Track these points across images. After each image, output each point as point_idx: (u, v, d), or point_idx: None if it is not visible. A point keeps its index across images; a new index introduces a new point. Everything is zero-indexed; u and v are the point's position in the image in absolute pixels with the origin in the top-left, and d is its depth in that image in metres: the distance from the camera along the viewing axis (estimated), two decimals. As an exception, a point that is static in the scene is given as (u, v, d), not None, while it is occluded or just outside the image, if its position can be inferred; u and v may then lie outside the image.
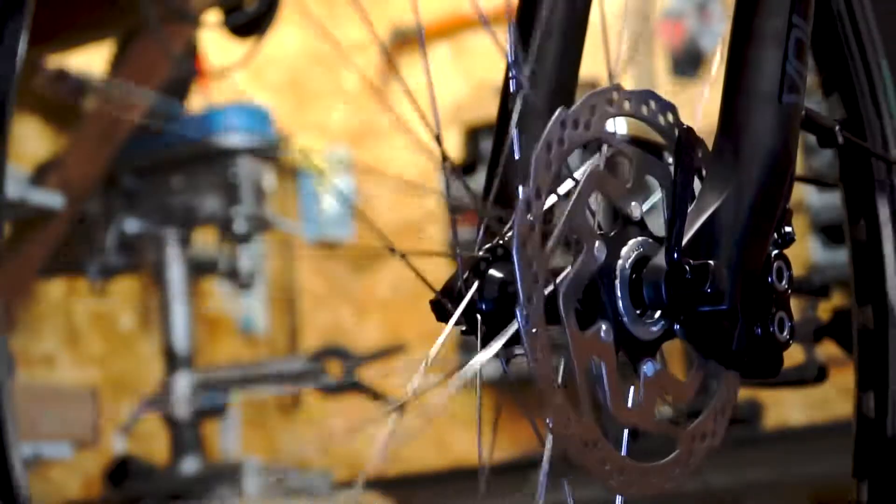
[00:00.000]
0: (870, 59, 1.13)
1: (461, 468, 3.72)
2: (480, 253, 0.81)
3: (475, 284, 0.80)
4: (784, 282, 0.88)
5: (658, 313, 0.82)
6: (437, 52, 4.57)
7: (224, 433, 3.87)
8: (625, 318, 0.81)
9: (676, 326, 0.83)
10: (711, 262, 0.81)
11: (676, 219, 0.80)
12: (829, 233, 3.76)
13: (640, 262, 0.82)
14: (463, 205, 0.83)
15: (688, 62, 4.09)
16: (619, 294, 0.81)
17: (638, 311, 0.82)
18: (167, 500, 3.32)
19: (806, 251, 3.75)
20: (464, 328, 0.81)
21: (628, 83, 0.86)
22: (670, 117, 0.86)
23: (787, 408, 3.87)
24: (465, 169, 4.28)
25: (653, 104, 0.85)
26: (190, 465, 3.44)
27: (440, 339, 0.79)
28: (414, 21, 4.59)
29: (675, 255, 0.80)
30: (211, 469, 3.45)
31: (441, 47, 4.56)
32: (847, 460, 1.13)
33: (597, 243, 0.80)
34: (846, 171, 1.15)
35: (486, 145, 4.20)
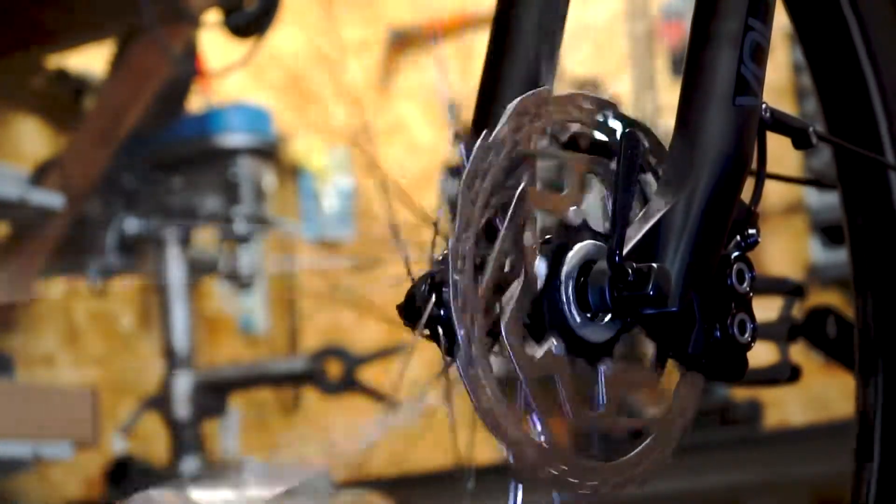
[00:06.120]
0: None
1: (460, 468, 3.70)
2: (437, 260, 0.82)
3: (433, 294, 0.81)
4: (745, 284, 0.88)
5: (608, 316, 0.82)
6: (437, 52, 4.56)
7: (224, 433, 3.87)
8: (574, 324, 0.81)
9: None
10: (655, 264, 0.81)
11: (618, 221, 0.80)
12: (829, 233, 3.74)
13: (587, 265, 0.82)
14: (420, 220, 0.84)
15: (688, 62, 4.08)
16: (566, 301, 0.80)
17: (588, 315, 0.81)
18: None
19: (806, 251, 3.73)
20: (427, 334, 0.82)
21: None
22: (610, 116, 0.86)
23: (787, 408, 3.86)
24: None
25: (588, 105, 0.85)
26: (190, 465, 3.44)
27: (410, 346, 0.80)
28: (412, 21, 4.58)
29: (618, 258, 0.80)
30: (211, 469, 3.45)
31: (441, 47, 4.54)
32: (846, 460, 1.13)
33: (536, 261, 0.80)
34: (843, 172, 1.15)
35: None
